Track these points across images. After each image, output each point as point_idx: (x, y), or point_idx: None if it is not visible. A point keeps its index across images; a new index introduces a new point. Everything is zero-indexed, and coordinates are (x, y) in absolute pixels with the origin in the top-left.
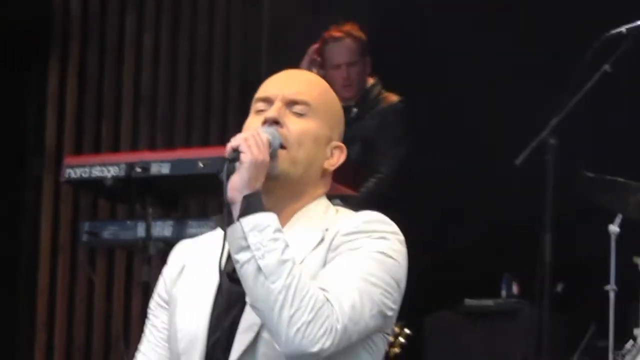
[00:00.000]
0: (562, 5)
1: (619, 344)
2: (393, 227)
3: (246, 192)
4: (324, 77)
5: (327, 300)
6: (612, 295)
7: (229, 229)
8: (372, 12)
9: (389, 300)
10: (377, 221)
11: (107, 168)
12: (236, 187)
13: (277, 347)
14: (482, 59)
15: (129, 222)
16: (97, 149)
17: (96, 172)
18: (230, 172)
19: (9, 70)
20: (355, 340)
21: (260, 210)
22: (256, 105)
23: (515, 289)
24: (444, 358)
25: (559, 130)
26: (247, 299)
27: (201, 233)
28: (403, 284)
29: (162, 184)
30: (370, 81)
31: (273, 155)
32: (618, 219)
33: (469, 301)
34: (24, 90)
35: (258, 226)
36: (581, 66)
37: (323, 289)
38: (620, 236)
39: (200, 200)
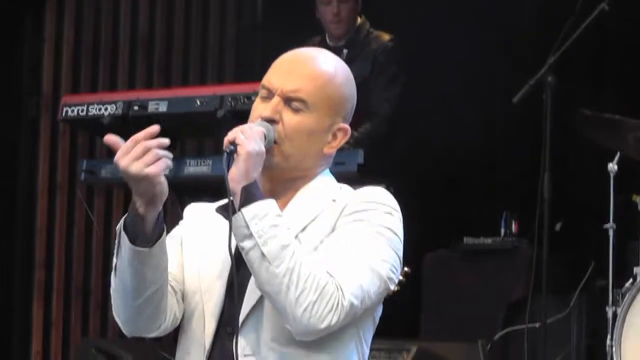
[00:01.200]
0: None
1: (619, 282)
2: (396, 203)
3: (244, 182)
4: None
5: (332, 276)
6: (611, 234)
7: (233, 219)
8: None
9: (394, 275)
10: (385, 195)
11: (104, 106)
12: (234, 179)
13: (287, 326)
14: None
15: None
16: (94, 90)
17: (93, 110)
18: (230, 164)
19: (5, 11)
20: (361, 313)
21: (259, 198)
22: (261, 91)
23: (514, 227)
24: (442, 296)
25: (557, 69)
26: (255, 283)
27: (199, 172)
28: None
29: (160, 122)
30: (358, 20)
31: (268, 149)
32: (617, 157)
33: (467, 239)
34: (20, 32)
35: (258, 215)
36: (577, 6)
37: (331, 267)
38: (619, 174)
39: (197, 139)
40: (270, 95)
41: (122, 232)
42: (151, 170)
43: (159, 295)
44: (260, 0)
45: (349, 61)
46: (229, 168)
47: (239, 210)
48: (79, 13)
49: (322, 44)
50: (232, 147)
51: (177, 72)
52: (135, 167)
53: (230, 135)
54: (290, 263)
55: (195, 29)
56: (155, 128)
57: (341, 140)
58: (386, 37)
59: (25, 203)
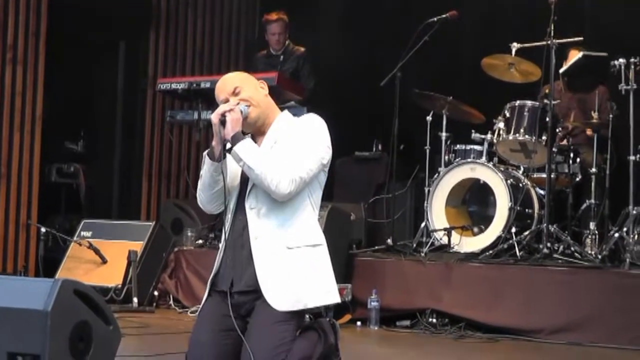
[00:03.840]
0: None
1: (430, 175)
2: (323, 121)
3: (232, 133)
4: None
5: (291, 166)
6: (428, 151)
7: (231, 153)
8: None
9: (326, 157)
10: (317, 117)
11: (179, 84)
12: (227, 132)
13: (270, 194)
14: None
15: (189, 111)
16: (173, 75)
17: (174, 86)
18: (223, 124)
19: (128, 40)
20: (309, 181)
21: (241, 140)
22: (220, 102)
23: (380, 146)
24: (344, 180)
25: (403, 68)
26: (250, 179)
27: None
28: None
29: (206, 92)
30: (287, 41)
31: (245, 115)
32: (431, 113)
33: (357, 153)
34: (139, 48)
35: (241, 148)
36: (414, 36)
37: (289, 158)
38: (431, 121)
39: (224, 101)
40: (226, 100)
41: (206, 156)
42: (212, 118)
43: (220, 190)
44: (257, 32)
45: (283, 62)
46: (224, 127)
47: (233, 147)
48: (166, 34)
49: (268, 53)
50: (222, 118)
51: (215, 66)
52: (212, 116)
53: (221, 110)
54: (264, 167)
55: (224, 47)
56: (234, 101)
57: (265, 87)
58: (302, 49)
59: (138, 133)
